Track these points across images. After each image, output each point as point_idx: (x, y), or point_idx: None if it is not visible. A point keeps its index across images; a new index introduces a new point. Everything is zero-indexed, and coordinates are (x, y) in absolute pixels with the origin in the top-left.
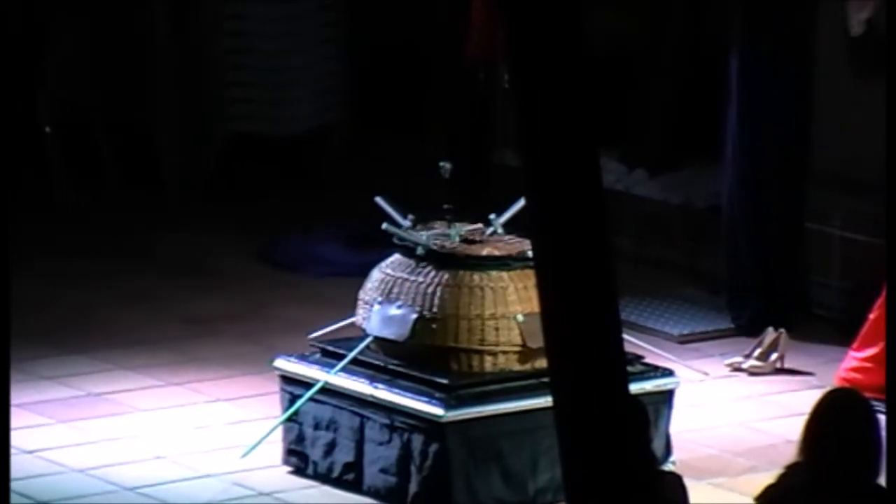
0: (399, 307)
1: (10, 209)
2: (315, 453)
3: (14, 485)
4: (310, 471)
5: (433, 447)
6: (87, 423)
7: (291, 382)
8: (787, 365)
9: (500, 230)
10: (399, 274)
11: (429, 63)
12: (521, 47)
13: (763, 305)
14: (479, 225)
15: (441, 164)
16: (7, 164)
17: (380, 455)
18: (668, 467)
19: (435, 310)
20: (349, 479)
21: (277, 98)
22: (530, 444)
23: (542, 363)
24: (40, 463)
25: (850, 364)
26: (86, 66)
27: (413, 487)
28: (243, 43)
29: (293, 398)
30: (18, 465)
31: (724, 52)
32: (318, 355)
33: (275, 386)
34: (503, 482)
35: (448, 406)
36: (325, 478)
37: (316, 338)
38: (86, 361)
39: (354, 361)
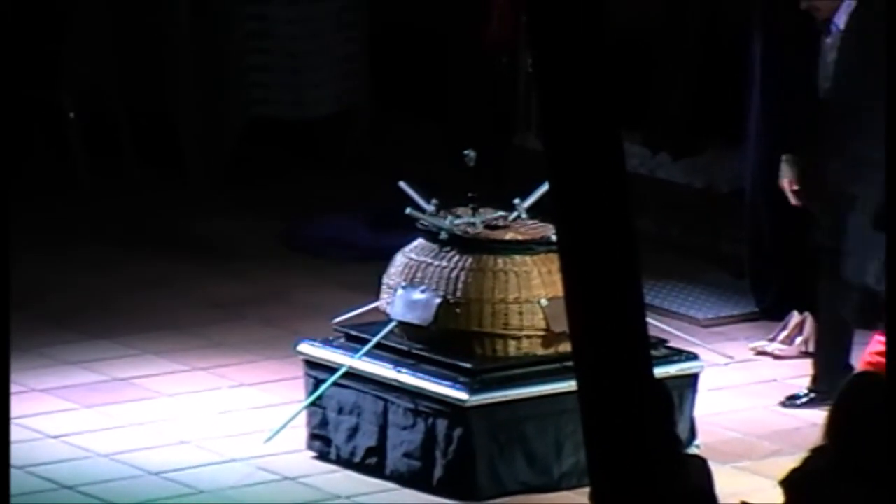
0: (423, 291)
1: (10, 206)
2: (338, 438)
3: (39, 469)
4: (333, 455)
5: (457, 431)
6: (111, 407)
7: (315, 367)
8: (811, 348)
9: (523, 214)
10: (423, 258)
11: (450, 46)
12: (543, 30)
13: (786, 288)
14: (503, 213)
15: (466, 152)
16: (28, 149)
17: (403, 439)
18: (692, 451)
19: (459, 294)
20: (371, 463)
21: (298, 82)
22: (554, 429)
23: (566, 347)
24: (65, 448)
25: (875, 348)
26: (107, 51)
27: (437, 472)
28: (263, 27)
29: (317, 383)
30: (43, 449)
31: (746, 34)
32: (342, 340)
33: (298, 370)
34: (527, 466)
35: (472, 390)
36: (347, 462)
37: (340, 322)
38: (110, 346)
39: (378, 346)
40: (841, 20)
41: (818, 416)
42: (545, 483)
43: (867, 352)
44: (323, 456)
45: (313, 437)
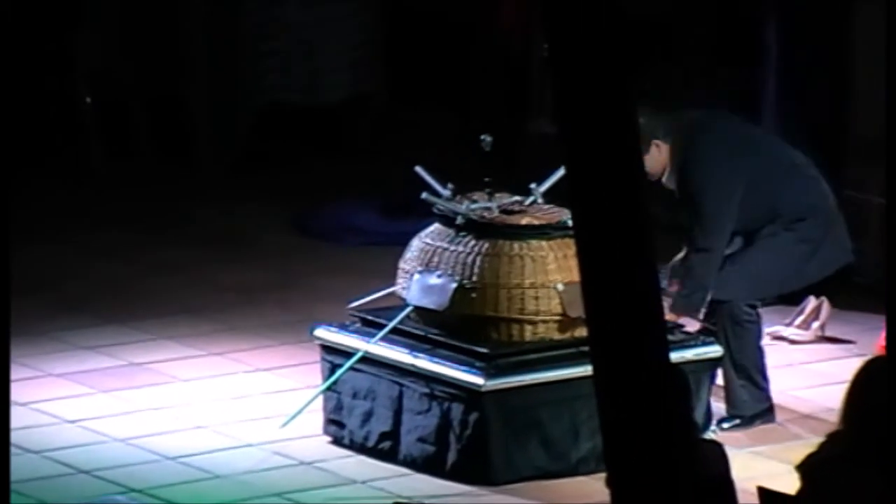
0: (439, 276)
1: (24, 192)
2: (353, 422)
3: (56, 454)
4: (347, 440)
5: (472, 416)
6: (127, 392)
7: (331, 352)
8: (827, 333)
9: (539, 199)
10: (439, 243)
11: (464, 32)
12: (558, 14)
13: None
14: (519, 197)
15: (482, 137)
16: (43, 136)
17: (418, 424)
18: (708, 436)
19: (474, 279)
20: (386, 448)
21: (311, 68)
22: (570, 414)
23: (581, 332)
24: (82, 432)
25: None
26: (121, 39)
27: (451, 457)
28: (277, 13)
29: (333, 367)
30: (60, 434)
31: (761, 19)
32: (357, 325)
33: (314, 355)
34: (542, 451)
35: (488, 375)
36: (362, 447)
37: (355, 307)
38: (126, 331)
39: (394, 331)
40: (671, 182)
41: (835, 401)
42: (560, 468)
43: (883, 336)
44: (338, 440)
45: (329, 421)
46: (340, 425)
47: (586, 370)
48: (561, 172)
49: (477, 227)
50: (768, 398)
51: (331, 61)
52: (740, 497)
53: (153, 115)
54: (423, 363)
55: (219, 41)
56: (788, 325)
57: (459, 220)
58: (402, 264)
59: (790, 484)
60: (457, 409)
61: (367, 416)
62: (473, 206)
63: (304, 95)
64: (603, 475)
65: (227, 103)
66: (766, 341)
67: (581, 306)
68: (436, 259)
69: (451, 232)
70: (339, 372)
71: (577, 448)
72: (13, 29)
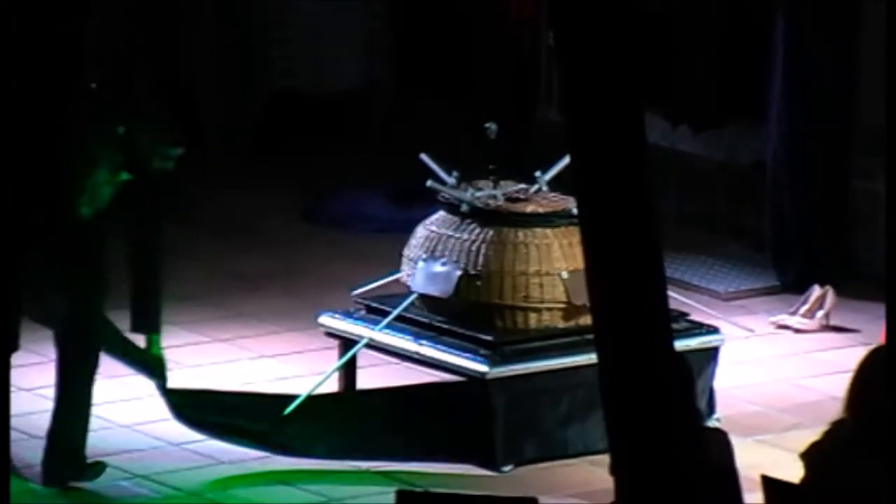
0: (443, 264)
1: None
2: None
3: None
4: None
5: (476, 403)
6: (133, 378)
7: (336, 339)
8: (832, 322)
9: (545, 187)
10: (443, 231)
11: (472, 20)
12: (564, 3)
13: (807, 262)
14: (524, 185)
15: (487, 125)
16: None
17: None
18: (712, 424)
19: (479, 267)
20: None
21: (321, 56)
22: (569, 400)
23: (586, 320)
24: None
25: None
26: (130, 26)
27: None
28: (287, 2)
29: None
30: None
31: (770, 8)
32: (362, 312)
33: (320, 342)
34: (546, 437)
35: (492, 363)
36: None
37: (360, 294)
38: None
39: (399, 318)
40: None
41: (839, 390)
42: (562, 453)
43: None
44: None
45: None
46: None
47: (591, 358)
48: (566, 160)
49: (482, 215)
50: None
51: (340, 50)
52: (744, 485)
53: (162, 103)
54: (428, 351)
55: (229, 29)
56: (793, 313)
57: (464, 208)
58: (406, 252)
59: (794, 472)
60: (461, 397)
61: None
62: (478, 193)
63: (313, 84)
64: (602, 459)
65: (236, 91)
66: (770, 329)
67: (585, 294)
68: (440, 247)
69: (457, 220)
70: (342, 359)
71: (579, 433)
72: (19, 14)
